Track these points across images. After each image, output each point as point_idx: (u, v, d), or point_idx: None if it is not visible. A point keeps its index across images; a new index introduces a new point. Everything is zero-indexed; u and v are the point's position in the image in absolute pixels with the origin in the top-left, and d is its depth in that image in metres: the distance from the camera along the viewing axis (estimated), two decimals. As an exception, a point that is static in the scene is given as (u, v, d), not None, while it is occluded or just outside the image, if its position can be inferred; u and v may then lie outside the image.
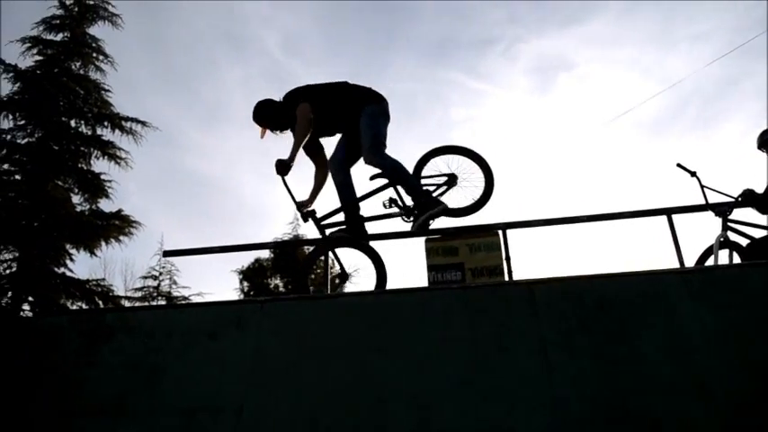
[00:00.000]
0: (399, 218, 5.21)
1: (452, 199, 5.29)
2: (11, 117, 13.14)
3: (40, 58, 13.93)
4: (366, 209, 5.31)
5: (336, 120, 5.31)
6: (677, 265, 5.20)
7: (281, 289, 21.23)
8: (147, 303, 17.10)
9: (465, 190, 5.32)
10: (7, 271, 12.08)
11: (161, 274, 18.68)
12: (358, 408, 3.54)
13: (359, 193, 5.31)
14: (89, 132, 13.82)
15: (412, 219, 5.13)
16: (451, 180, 5.33)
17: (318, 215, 5.30)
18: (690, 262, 5.38)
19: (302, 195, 5.47)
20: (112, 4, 15.03)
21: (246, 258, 21.57)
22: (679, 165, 5.94)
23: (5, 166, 12.78)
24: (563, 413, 3.33)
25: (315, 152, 5.53)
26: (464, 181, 5.35)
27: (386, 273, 5.10)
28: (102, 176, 13.61)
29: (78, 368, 4.21)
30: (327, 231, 5.27)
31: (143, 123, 14.25)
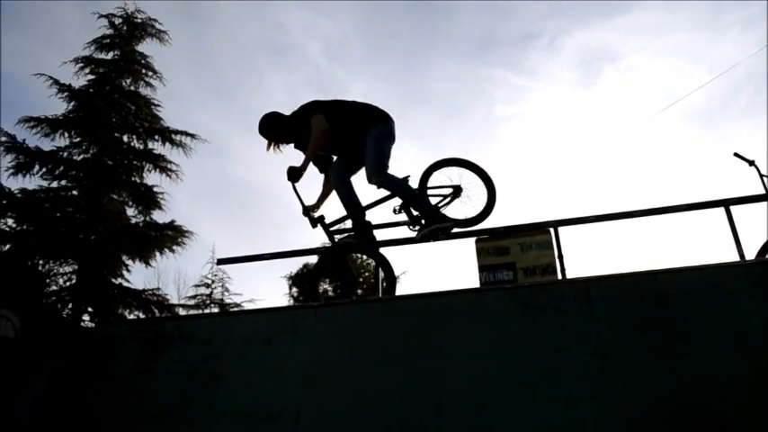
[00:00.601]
0: (405, 226, 5.23)
1: (457, 210, 5.31)
2: (67, 135, 13.62)
3: (93, 76, 14.39)
4: (375, 216, 5.33)
5: (343, 137, 5.29)
6: (737, 259, 5.02)
7: (329, 294, 21.38)
8: (200, 311, 17.46)
9: (469, 201, 5.31)
10: (67, 283, 12.49)
11: (213, 282, 19.04)
12: (414, 411, 3.53)
13: (366, 202, 5.33)
14: (141, 147, 14.21)
15: (418, 228, 5.13)
16: (456, 192, 5.32)
17: (327, 221, 5.33)
18: (750, 255, 5.19)
19: (310, 201, 5.50)
20: (159, 21, 15.44)
21: (295, 264, 21.77)
22: (736, 154, 5.76)
23: (63, 182, 13.23)
24: (624, 413, 3.25)
25: (326, 162, 5.55)
26: (468, 192, 5.33)
27: (395, 278, 5.14)
28: (155, 189, 13.98)
29: (138, 376, 4.32)
30: (336, 238, 5.30)
31: (192, 136, 14.57)
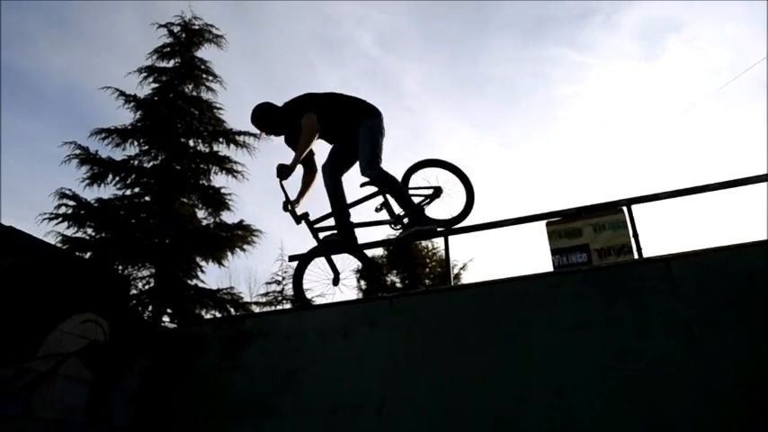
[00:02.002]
0: (387, 225, 5.33)
1: (437, 210, 5.43)
2: (136, 143, 14.08)
3: (156, 85, 14.81)
4: (357, 215, 5.39)
5: (336, 129, 5.37)
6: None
7: (397, 285, 21.46)
8: (273, 308, 17.82)
9: (448, 201, 5.45)
10: (146, 286, 12.95)
11: (284, 278, 19.38)
12: (495, 398, 3.52)
13: (350, 200, 5.40)
14: (207, 150, 14.55)
15: (400, 227, 5.21)
16: (436, 192, 5.45)
17: (311, 219, 5.37)
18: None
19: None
20: (216, 26, 15.75)
21: (362, 256, 21.84)
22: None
23: (136, 190, 13.71)
24: (711, 396, 3.14)
25: (307, 156, 5.54)
26: (448, 192, 5.47)
27: (378, 277, 5.11)
28: (223, 190, 14.30)
29: (222, 373, 4.47)
30: (321, 235, 5.35)
31: (254, 135, 14.77)
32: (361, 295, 20.09)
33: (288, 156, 5.45)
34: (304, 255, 5.42)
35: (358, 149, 5.25)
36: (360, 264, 5.50)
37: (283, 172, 5.12)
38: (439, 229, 5.37)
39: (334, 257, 5.36)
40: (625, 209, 5.23)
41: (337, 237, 5.32)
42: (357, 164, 5.32)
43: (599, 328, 3.56)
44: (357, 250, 5.40)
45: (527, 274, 4.03)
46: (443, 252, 22.23)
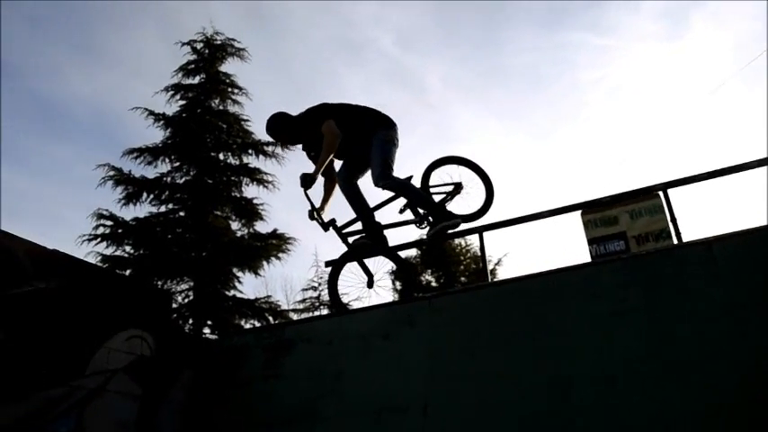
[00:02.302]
0: (413, 225, 5.36)
1: (458, 206, 5.43)
2: (167, 160, 14.34)
3: (184, 102, 15.06)
4: (383, 217, 5.46)
5: (351, 141, 5.34)
6: None
7: (432, 284, 21.43)
8: (311, 314, 17.93)
9: (469, 197, 5.47)
10: (185, 300, 13.17)
11: (320, 284, 19.49)
12: (541, 392, 3.49)
13: (373, 203, 5.43)
14: (237, 162, 14.74)
15: (426, 226, 5.24)
16: (457, 188, 5.47)
17: (338, 224, 5.39)
18: None
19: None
20: (238, 39, 15.95)
21: (398, 259, 21.85)
22: None
23: (170, 206, 13.96)
24: (759, 376, 3.07)
25: (327, 165, 5.49)
26: (468, 189, 5.51)
27: (413, 278, 5.10)
28: (255, 201, 14.47)
29: (267, 380, 4.52)
30: (350, 240, 5.37)
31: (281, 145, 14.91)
32: (397, 297, 20.16)
33: (309, 165, 5.48)
34: (336, 260, 5.46)
35: (370, 159, 5.28)
36: (393, 265, 5.50)
37: (307, 181, 5.17)
38: (469, 225, 5.37)
39: (366, 261, 5.39)
40: (661, 193, 5.15)
41: (367, 240, 5.35)
42: (369, 174, 5.35)
43: (641, 316, 3.52)
44: (389, 251, 5.43)
45: (564, 266, 4.00)
46: (477, 249, 22.25)
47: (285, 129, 5.50)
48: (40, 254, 3.99)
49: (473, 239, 19.41)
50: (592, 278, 3.83)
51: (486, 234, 5.70)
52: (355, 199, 5.44)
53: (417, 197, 5.25)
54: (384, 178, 5.15)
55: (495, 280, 5.02)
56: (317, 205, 5.46)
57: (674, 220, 4.99)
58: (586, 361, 3.51)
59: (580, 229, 5.35)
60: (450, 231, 5.21)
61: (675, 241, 4.92)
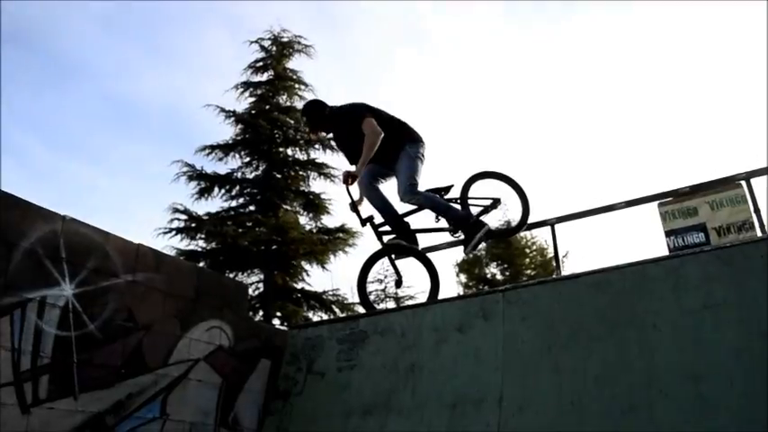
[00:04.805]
0: (447, 232, 5.44)
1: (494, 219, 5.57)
2: (238, 156, 14.74)
3: (253, 99, 15.44)
4: (417, 221, 5.48)
5: (380, 149, 5.26)
6: None
7: (497, 277, 21.25)
8: (377, 307, 18.01)
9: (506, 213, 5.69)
10: (256, 291, 13.51)
11: (386, 276, 19.60)
12: (623, 388, 3.42)
13: (402, 210, 5.43)
14: (304, 157, 15.02)
15: (459, 234, 5.32)
16: (495, 203, 5.59)
17: (376, 222, 5.42)
18: None
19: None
20: (304, 37, 16.17)
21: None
22: None
23: (240, 200, 14.35)
24: None
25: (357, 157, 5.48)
26: (506, 204, 5.69)
27: (439, 281, 5.29)
28: (322, 195, 14.72)
29: (342, 371, 4.59)
30: (385, 239, 5.40)
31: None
32: (460, 289, 20.08)
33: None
34: (366, 260, 5.54)
35: (396, 172, 5.31)
36: (424, 268, 5.49)
37: (349, 178, 5.25)
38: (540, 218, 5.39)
39: (397, 261, 5.54)
40: (744, 183, 4.95)
41: (401, 240, 5.39)
42: (396, 188, 5.36)
43: (730, 309, 3.39)
44: (420, 254, 5.49)
45: (645, 258, 3.89)
46: (542, 241, 21.87)
47: (319, 116, 5.57)
48: (126, 248, 4.17)
49: (537, 232, 19.16)
50: (675, 271, 3.71)
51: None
52: (378, 202, 5.47)
53: (444, 212, 5.30)
54: (410, 194, 5.21)
55: (573, 273, 4.93)
56: (357, 197, 5.57)
57: (757, 210, 4.79)
58: (673, 355, 3.41)
59: (656, 221, 5.20)
60: (484, 241, 5.25)
61: (759, 233, 4.73)
